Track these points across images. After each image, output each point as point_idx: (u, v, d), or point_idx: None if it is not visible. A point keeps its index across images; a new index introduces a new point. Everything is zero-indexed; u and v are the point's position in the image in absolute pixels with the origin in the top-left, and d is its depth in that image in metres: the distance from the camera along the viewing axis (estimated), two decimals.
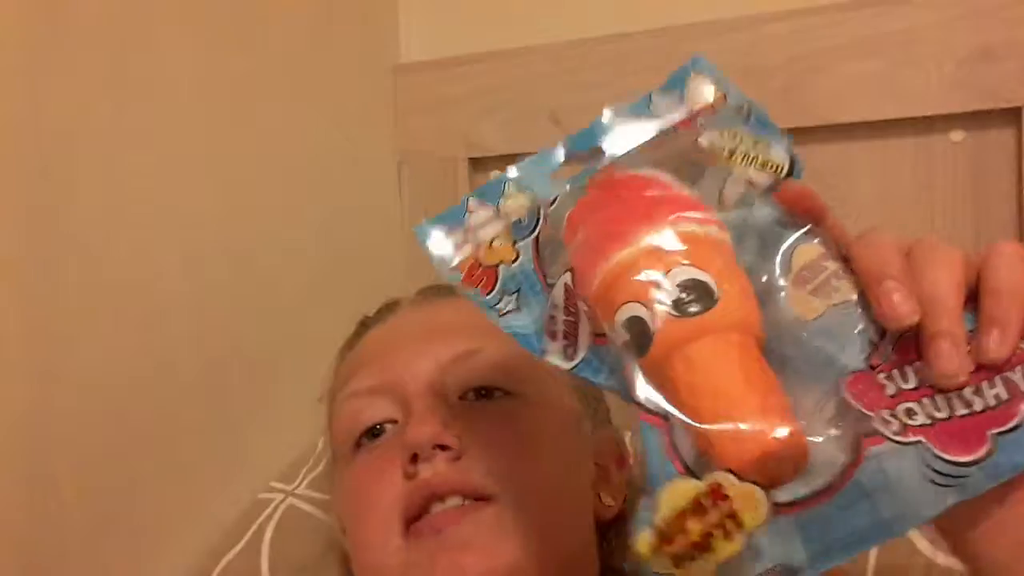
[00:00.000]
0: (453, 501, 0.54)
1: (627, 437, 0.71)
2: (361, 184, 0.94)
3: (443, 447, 0.55)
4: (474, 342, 0.60)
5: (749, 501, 0.33)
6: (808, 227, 0.39)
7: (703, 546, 0.33)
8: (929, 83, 0.80)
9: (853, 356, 0.37)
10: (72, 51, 0.65)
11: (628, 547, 0.62)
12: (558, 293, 0.40)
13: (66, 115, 0.65)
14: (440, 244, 0.44)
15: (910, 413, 0.35)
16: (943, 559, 0.54)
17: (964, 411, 0.35)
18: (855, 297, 0.38)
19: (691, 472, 0.34)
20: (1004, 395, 0.35)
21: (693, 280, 0.36)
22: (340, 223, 0.90)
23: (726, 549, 0.33)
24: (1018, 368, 0.36)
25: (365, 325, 0.68)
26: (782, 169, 0.40)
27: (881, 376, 0.36)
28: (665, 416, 0.35)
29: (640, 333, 0.36)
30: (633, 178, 0.41)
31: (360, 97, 0.96)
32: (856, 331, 0.37)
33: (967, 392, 0.35)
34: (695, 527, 0.33)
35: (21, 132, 0.62)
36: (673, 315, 0.36)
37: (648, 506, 0.33)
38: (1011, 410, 0.35)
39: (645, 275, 0.37)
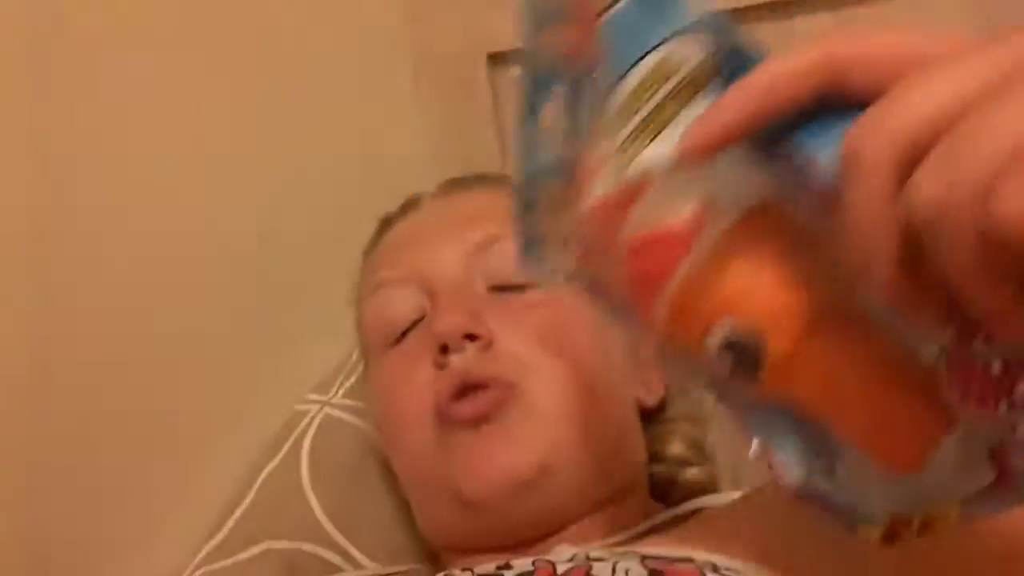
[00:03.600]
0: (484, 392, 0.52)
1: None
2: (377, 89, 0.92)
3: (472, 337, 0.53)
4: (499, 228, 0.58)
5: None
6: None
7: None
8: None
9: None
10: None
11: (672, 434, 0.62)
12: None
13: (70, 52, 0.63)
14: None
15: None
16: None
17: None
18: None
19: None
20: None
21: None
22: (359, 131, 0.88)
23: None
24: None
25: (387, 223, 0.67)
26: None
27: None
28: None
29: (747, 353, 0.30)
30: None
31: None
32: None
33: None
34: None
35: (22, 84, 0.60)
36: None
37: None
38: None
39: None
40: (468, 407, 0.51)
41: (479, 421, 0.51)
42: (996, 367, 0.26)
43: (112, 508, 0.63)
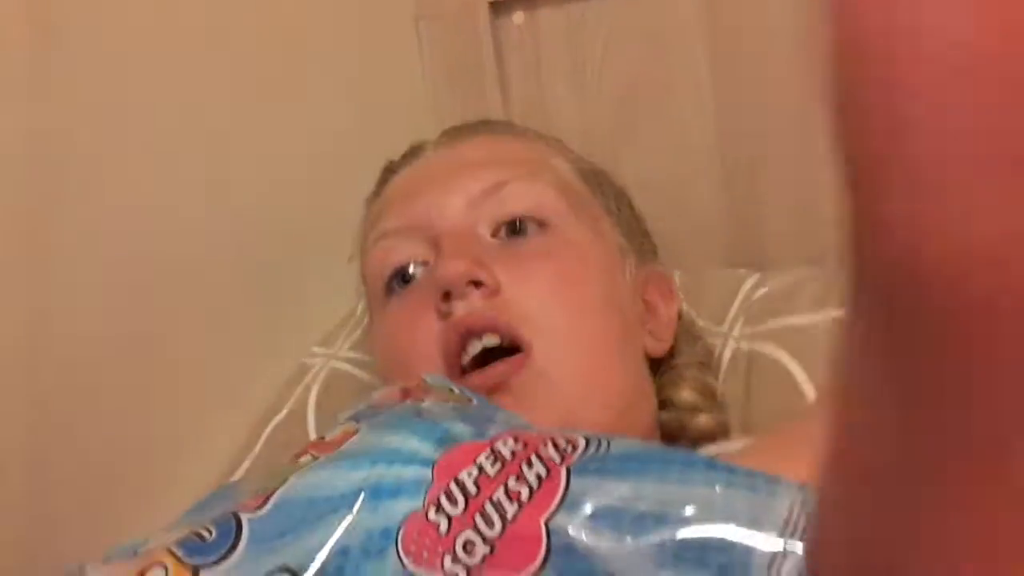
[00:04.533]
0: (490, 340, 0.52)
1: (676, 276, 0.68)
2: (378, 38, 0.90)
3: (477, 283, 0.52)
4: (502, 174, 0.57)
5: None
6: None
7: None
8: None
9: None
10: None
11: (682, 379, 0.61)
12: None
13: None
14: None
15: (469, 548, 0.31)
16: None
17: (515, 508, 0.31)
18: None
19: None
20: (543, 472, 0.31)
21: None
22: (360, 80, 0.86)
23: None
24: (549, 442, 0.32)
25: (390, 171, 0.65)
26: None
27: (431, 511, 0.31)
28: None
29: None
30: None
31: None
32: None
33: (511, 482, 0.31)
34: None
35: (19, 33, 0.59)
36: None
37: None
38: (552, 486, 0.31)
39: None
40: (479, 379, 0.50)
41: (492, 391, 0.50)
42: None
43: (117, 463, 0.63)
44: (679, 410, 0.60)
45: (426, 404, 0.37)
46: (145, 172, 0.66)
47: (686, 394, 0.60)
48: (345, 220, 0.68)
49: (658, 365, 0.61)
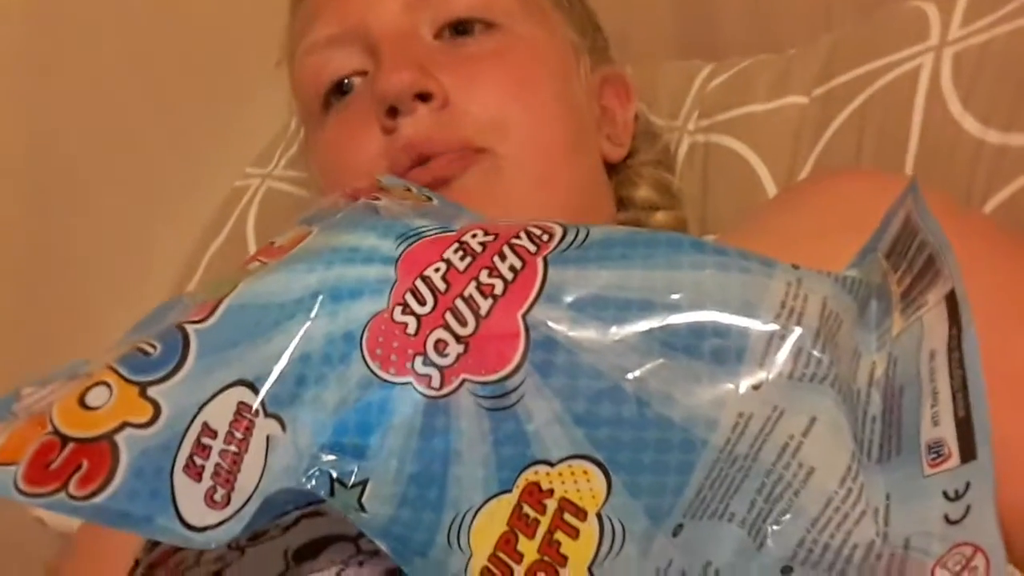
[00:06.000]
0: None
1: (628, 70, 0.64)
2: None
3: (424, 96, 0.48)
4: None
5: (581, 480, 0.27)
6: None
7: (553, 560, 0.26)
8: None
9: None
10: None
11: (639, 177, 0.59)
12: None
13: None
14: None
15: (440, 347, 0.29)
16: (995, 137, 0.49)
17: (489, 303, 0.28)
18: None
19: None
20: (518, 264, 0.29)
21: None
22: None
23: (582, 549, 0.26)
24: (522, 233, 0.30)
25: None
26: None
27: (396, 312, 0.29)
28: None
29: None
30: None
31: None
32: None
33: (483, 276, 0.29)
34: (528, 546, 0.26)
35: None
36: None
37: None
38: (527, 279, 0.28)
39: None
40: (423, 175, 0.47)
41: (438, 185, 0.47)
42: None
43: (60, 298, 0.61)
44: (636, 209, 0.59)
45: (383, 202, 0.34)
46: None
47: (643, 192, 0.58)
48: (269, 23, 0.62)
49: (614, 165, 0.58)
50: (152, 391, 0.29)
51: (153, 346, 0.29)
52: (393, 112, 0.48)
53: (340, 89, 0.53)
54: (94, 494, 0.27)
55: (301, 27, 0.56)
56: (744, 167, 0.59)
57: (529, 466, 0.27)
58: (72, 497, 0.27)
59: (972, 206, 0.50)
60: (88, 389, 0.29)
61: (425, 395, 0.28)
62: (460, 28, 0.51)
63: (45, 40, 0.62)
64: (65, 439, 0.28)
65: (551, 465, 0.27)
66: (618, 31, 0.64)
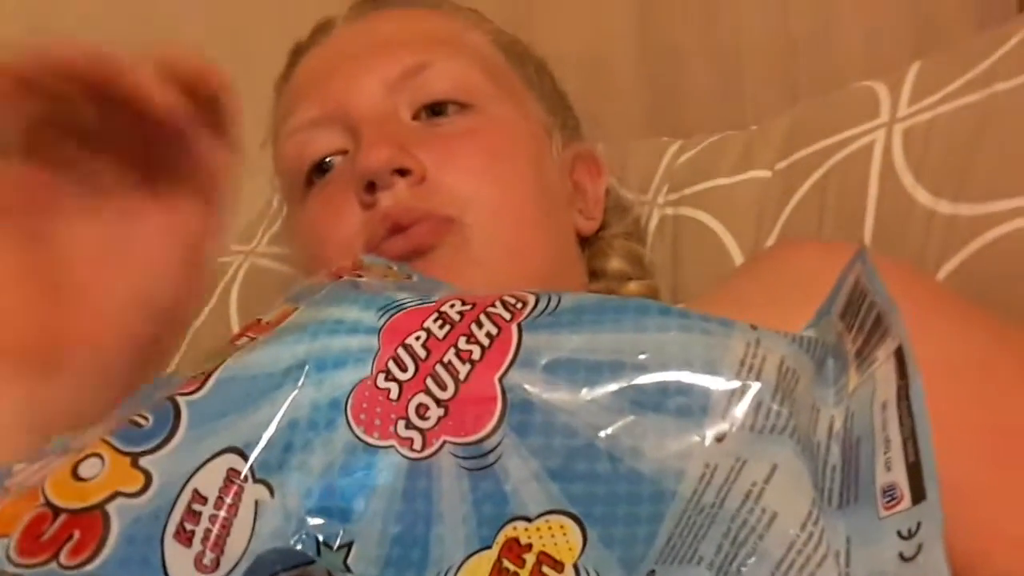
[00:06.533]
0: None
1: (600, 148, 0.67)
2: None
3: (402, 171, 0.50)
4: (423, 54, 0.54)
5: (558, 534, 0.28)
6: None
7: None
8: None
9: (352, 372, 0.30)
10: None
11: (611, 248, 0.61)
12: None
13: None
14: None
15: (422, 411, 0.30)
16: (945, 207, 0.52)
17: (467, 368, 0.30)
18: None
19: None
20: (494, 330, 0.31)
21: None
22: None
23: None
24: (497, 302, 0.31)
25: (298, 52, 0.62)
26: None
27: (380, 379, 0.30)
28: None
29: None
30: None
31: None
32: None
33: (462, 342, 0.30)
34: None
35: None
36: None
37: None
38: (503, 344, 0.30)
39: None
40: (399, 242, 0.49)
41: (412, 256, 0.49)
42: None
43: None
44: (609, 279, 0.61)
45: (364, 279, 0.35)
46: None
47: (615, 263, 0.60)
48: (254, 104, 0.64)
49: (587, 238, 0.60)
50: (144, 461, 0.30)
51: (145, 418, 0.31)
52: (372, 187, 0.50)
53: (321, 168, 0.55)
54: (85, 563, 0.28)
55: (285, 109, 0.59)
56: (712, 238, 0.62)
57: (508, 522, 0.29)
58: (63, 567, 0.28)
59: (926, 272, 0.52)
60: (80, 461, 0.30)
61: (408, 457, 0.30)
62: (436, 109, 0.54)
63: None
64: (57, 510, 0.29)
65: (529, 521, 0.29)
66: (590, 111, 0.68)
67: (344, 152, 0.54)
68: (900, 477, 0.27)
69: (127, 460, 0.30)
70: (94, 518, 0.29)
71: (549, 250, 0.54)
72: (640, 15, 0.74)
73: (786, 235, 0.59)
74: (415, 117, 0.54)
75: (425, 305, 0.32)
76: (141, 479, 0.29)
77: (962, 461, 0.34)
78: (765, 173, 0.61)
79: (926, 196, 0.53)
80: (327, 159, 0.54)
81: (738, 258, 0.60)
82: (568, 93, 0.64)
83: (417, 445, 0.30)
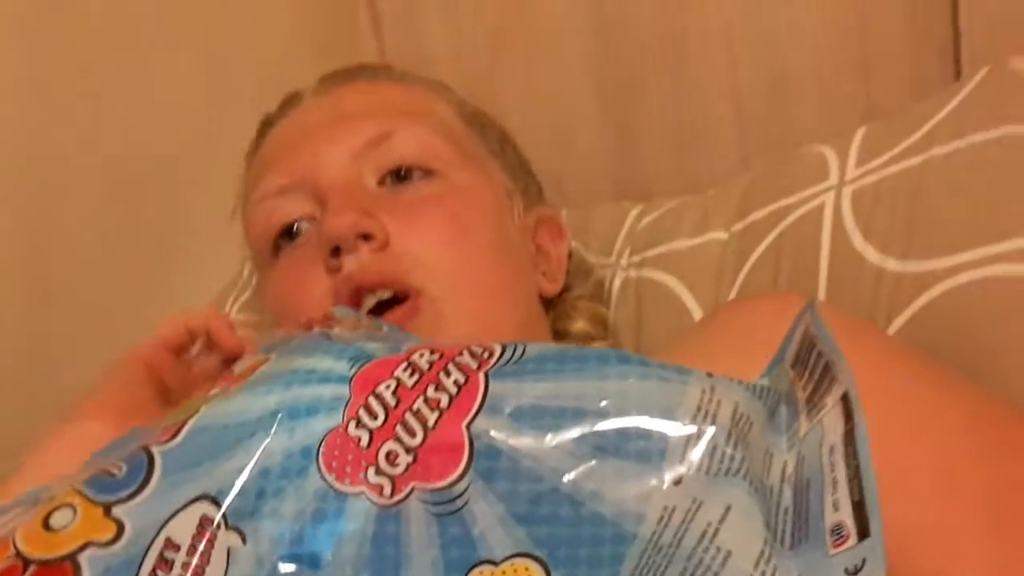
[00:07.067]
0: (383, 293, 0.51)
1: (564, 213, 0.69)
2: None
3: (366, 236, 0.52)
4: (386, 125, 0.56)
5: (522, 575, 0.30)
6: None
7: None
8: None
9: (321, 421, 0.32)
10: None
11: (575, 310, 0.63)
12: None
13: None
14: None
15: (392, 458, 0.31)
16: (893, 265, 0.54)
17: (436, 416, 0.31)
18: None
19: None
20: (461, 379, 0.32)
21: None
22: (234, 38, 0.83)
23: None
24: (464, 351, 0.33)
25: (268, 124, 0.64)
26: None
27: (350, 427, 0.32)
28: None
29: None
30: None
31: None
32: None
33: (430, 391, 0.32)
34: None
35: None
36: None
37: None
38: (471, 392, 0.32)
39: None
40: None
41: None
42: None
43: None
44: (573, 340, 0.62)
45: (336, 331, 0.37)
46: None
47: (579, 324, 0.62)
48: (225, 177, 0.66)
49: (551, 300, 0.62)
50: (116, 510, 0.30)
51: (119, 467, 0.31)
52: (337, 252, 0.52)
53: (289, 233, 0.56)
54: None
55: (254, 178, 0.60)
56: (673, 298, 0.63)
57: (475, 566, 0.29)
58: None
59: (874, 326, 0.54)
60: (52, 512, 0.30)
61: (377, 503, 0.31)
62: (401, 175, 0.56)
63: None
64: (27, 561, 0.29)
65: (495, 564, 0.29)
66: (554, 177, 0.70)
67: (312, 218, 0.56)
68: (847, 515, 0.28)
69: (100, 510, 0.30)
70: (65, 569, 0.29)
71: (515, 313, 0.55)
72: (600, 88, 0.78)
73: (743, 293, 0.61)
74: (380, 183, 0.55)
75: (395, 355, 0.33)
76: (113, 528, 0.30)
77: (910, 505, 0.35)
78: (722, 235, 0.64)
79: (875, 254, 0.55)
80: (294, 225, 0.56)
81: (699, 317, 0.62)
82: (532, 161, 0.67)
83: (387, 491, 0.31)
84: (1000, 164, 0.53)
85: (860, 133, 0.61)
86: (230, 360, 0.49)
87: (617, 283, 0.67)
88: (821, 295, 0.57)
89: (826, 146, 0.62)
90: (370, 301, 0.51)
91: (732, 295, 0.61)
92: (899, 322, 0.53)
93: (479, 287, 0.53)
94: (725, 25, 0.72)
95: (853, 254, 0.56)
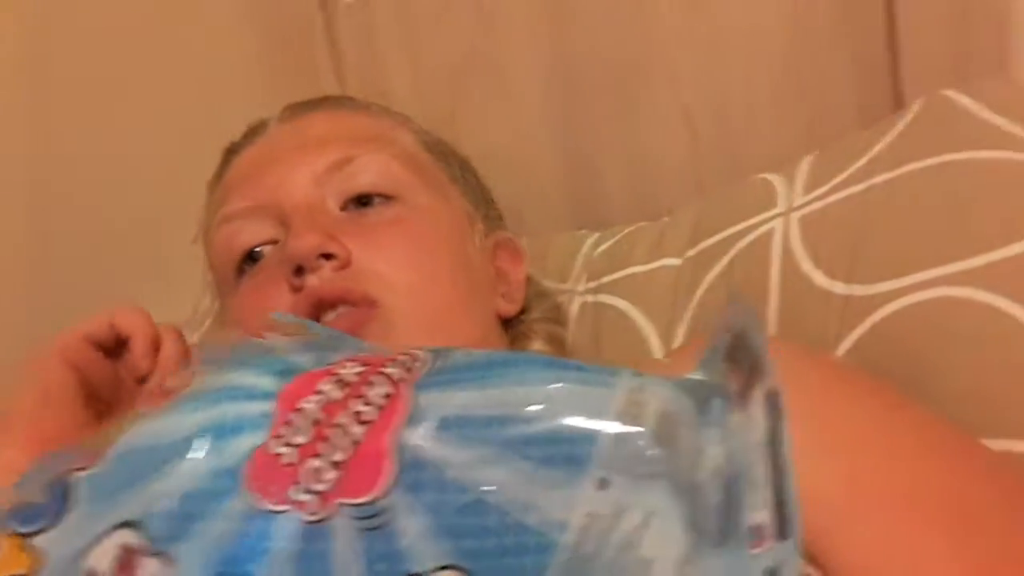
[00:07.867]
0: (343, 310, 0.52)
1: (524, 242, 0.70)
2: (212, 24, 0.88)
3: (328, 256, 0.52)
4: (348, 150, 0.57)
5: None
6: None
7: None
8: None
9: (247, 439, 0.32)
10: None
11: (533, 331, 0.63)
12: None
13: None
14: None
15: (317, 474, 0.31)
16: (840, 288, 0.55)
17: (361, 429, 0.31)
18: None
19: None
20: (387, 390, 0.32)
21: None
22: (194, 69, 0.84)
23: None
24: (390, 362, 0.33)
25: (232, 151, 0.64)
26: None
27: (275, 444, 0.31)
28: None
29: None
30: None
31: None
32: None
33: (355, 404, 0.32)
34: None
35: None
36: None
37: None
38: (396, 404, 0.32)
39: None
40: (331, 326, 0.51)
41: None
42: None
43: None
44: None
45: (269, 337, 0.36)
46: None
47: (538, 345, 0.62)
48: (188, 203, 0.66)
49: (510, 324, 0.63)
50: (34, 541, 0.30)
51: (39, 496, 0.31)
52: (300, 271, 0.52)
53: (252, 257, 0.57)
54: None
55: (218, 203, 0.61)
56: (629, 322, 0.64)
57: None
58: None
59: (827, 350, 0.55)
60: None
61: (304, 520, 0.31)
62: (363, 200, 0.56)
63: None
64: None
65: None
66: (514, 207, 0.71)
67: (274, 242, 0.56)
68: (767, 516, 0.29)
69: (17, 541, 0.30)
70: None
71: (471, 330, 0.56)
72: (558, 121, 0.79)
73: (697, 317, 0.61)
74: (343, 209, 0.56)
75: (322, 368, 0.33)
76: (28, 561, 0.29)
77: (869, 526, 0.36)
78: (676, 261, 0.65)
79: (823, 278, 0.56)
80: (257, 248, 0.57)
81: (654, 340, 0.63)
82: (492, 189, 0.68)
83: (313, 508, 0.31)
84: (939, 190, 0.54)
85: (806, 161, 0.62)
86: (166, 367, 0.49)
87: (575, 308, 0.67)
88: (772, 318, 0.58)
89: (774, 174, 0.63)
90: (329, 317, 0.52)
91: (686, 318, 0.62)
92: (846, 344, 0.54)
93: (435, 301, 0.54)
94: (677, 59, 0.74)
95: (802, 278, 0.57)
